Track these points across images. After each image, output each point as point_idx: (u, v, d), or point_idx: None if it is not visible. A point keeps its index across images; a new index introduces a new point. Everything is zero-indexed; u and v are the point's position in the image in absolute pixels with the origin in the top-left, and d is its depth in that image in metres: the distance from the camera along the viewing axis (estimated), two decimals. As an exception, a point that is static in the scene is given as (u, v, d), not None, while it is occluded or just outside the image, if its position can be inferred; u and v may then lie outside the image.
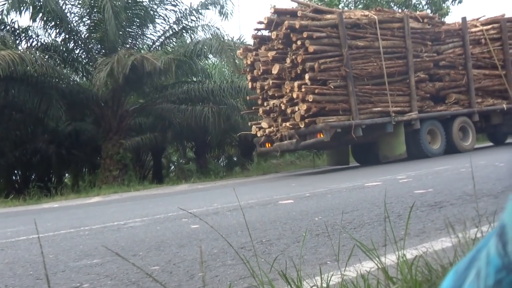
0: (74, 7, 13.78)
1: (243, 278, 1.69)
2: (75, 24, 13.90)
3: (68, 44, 14.19)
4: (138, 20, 14.37)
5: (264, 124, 9.74)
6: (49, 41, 14.00)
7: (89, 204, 8.16)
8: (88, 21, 14.04)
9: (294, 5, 9.86)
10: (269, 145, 9.75)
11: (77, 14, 13.89)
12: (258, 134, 9.90)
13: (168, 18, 14.81)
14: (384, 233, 1.86)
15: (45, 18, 13.15)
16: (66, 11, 13.56)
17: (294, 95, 8.72)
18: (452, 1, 21.01)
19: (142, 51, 14.20)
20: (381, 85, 9.42)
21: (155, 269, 1.98)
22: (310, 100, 8.52)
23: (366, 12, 9.86)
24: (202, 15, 14.85)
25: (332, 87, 8.81)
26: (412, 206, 1.81)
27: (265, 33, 9.73)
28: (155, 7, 14.55)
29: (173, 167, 24.05)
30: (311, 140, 8.79)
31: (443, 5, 20.86)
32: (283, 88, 9.14)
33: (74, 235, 3.42)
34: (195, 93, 14.34)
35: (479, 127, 10.85)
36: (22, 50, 12.36)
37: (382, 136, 9.49)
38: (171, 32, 15.19)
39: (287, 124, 9.07)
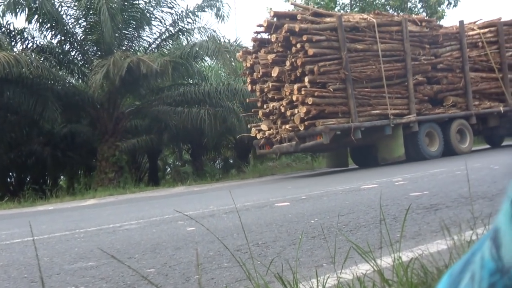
0: (70, 9, 13.78)
1: (239, 280, 1.69)
2: (71, 26, 13.86)
3: (64, 46, 14.14)
4: (134, 22, 14.35)
5: (263, 127, 9.78)
6: (45, 43, 13.97)
7: (85, 206, 8.12)
8: (84, 23, 14.00)
9: (292, 8, 9.89)
10: (269, 147, 9.78)
11: (73, 16, 13.87)
12: (258, 137, 9.94)
13: (164, 20, 14.82)
14: (380, 236, 1.87)
15: (40, 20, 13.09)
16: (62, 13, 13.52)
17: (294, 98, 8.74)
18: (447, 5, 21.18)
19: (138, 53, 14.19)
20: (379, 88, 9.46)
21: (150, 272, 1.98)
22: (310, 102, 8.54)
23: (365, 16, 9.90)
24: (198, 17, 14.88)
25: (332, 89, 8.84)
26: (408, 208, 1.82)
27: (265, 36, 9.75)
28: (152, 9, 14.55)
29: (169, 169, 24.00)
30: (311, 142, 8.82)
31: (439, 8, 21.01)
32: (283, 91, 9.16)
33: (69, 237, 3.40)
34: (191, 95, 14.34)
35: (477, 130, 10.89)
36: (17, 52, 12.33)
37: (380, 139, 9.50)
38: (167, 34, 15.19)
39: (287, 126, 9.09)
